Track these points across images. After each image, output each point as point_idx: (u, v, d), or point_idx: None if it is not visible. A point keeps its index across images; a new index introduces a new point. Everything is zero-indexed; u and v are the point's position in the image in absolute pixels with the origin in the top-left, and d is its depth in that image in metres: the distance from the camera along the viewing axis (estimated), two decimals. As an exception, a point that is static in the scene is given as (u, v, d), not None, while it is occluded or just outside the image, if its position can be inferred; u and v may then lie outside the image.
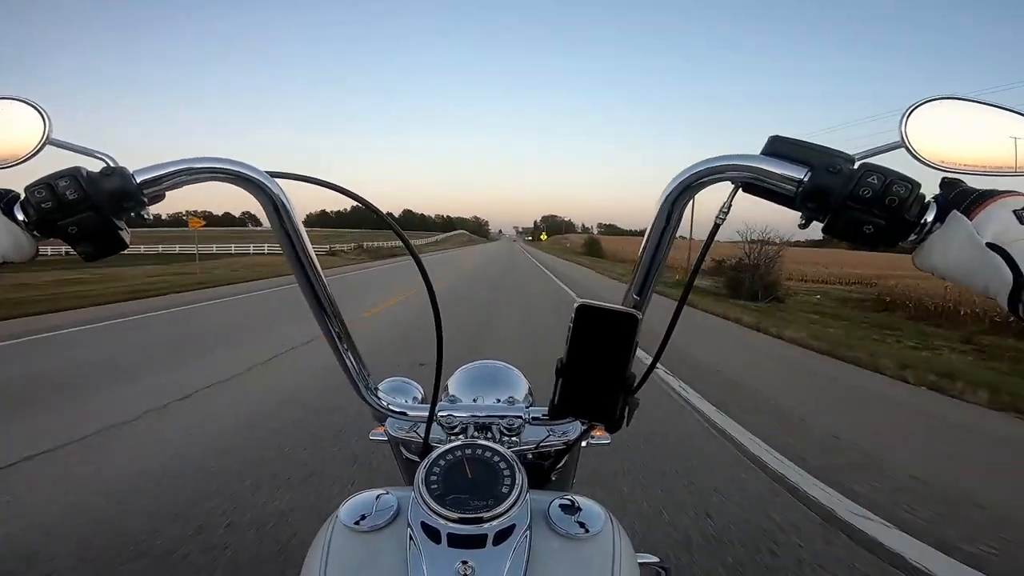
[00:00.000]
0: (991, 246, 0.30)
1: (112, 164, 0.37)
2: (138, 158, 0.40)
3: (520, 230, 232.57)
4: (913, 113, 0.35)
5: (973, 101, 0.36)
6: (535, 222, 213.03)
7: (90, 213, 0.36)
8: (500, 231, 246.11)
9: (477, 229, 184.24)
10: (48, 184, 0.35)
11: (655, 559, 0.61)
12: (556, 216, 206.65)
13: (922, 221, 0.33)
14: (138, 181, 0.38)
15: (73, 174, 0.36)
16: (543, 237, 48.08)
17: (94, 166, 0.37)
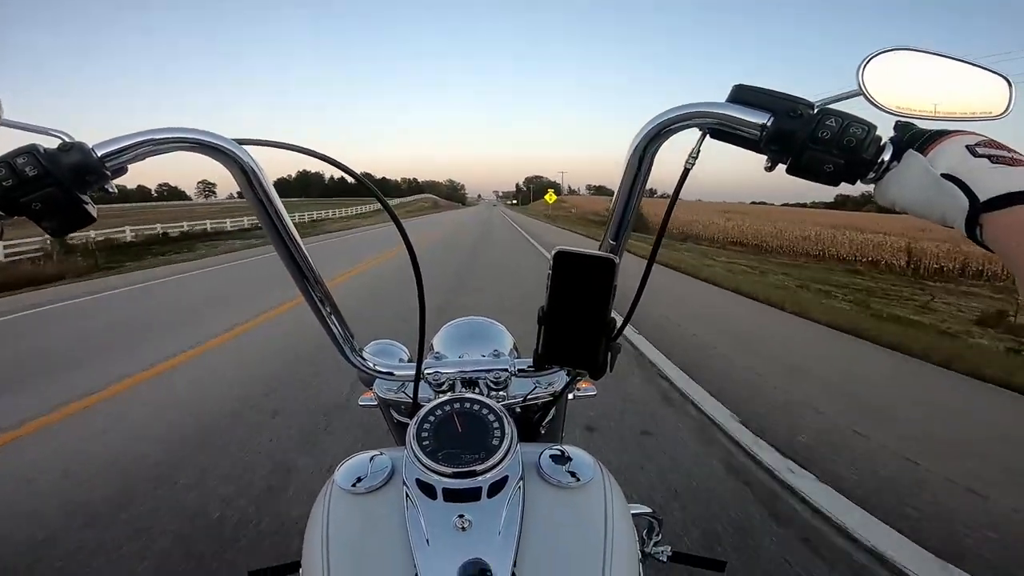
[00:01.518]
0: (946, 176, 0.35)
1: (69, 140, 0.40)
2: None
3: (500, 194, 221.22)
4: (870, 63, 0.40)
5: (927, 52, 0.40)
6: (517, 185, 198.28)
7: (52, 188, 0.38)
8: (479, 196, 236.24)
9: (451, 194, 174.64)
10: (6, 162, 0.37)
11: (648, 509, 0.65)
12: (541, 177, 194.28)
13: (879, 160, 0.38)
14: (99, 154, 0.40)
15: (30, 151, 0.38)
16: (549, 198, 39.28)
17: (51, 145, 0.39)
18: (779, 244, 21.22)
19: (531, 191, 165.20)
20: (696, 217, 31.30)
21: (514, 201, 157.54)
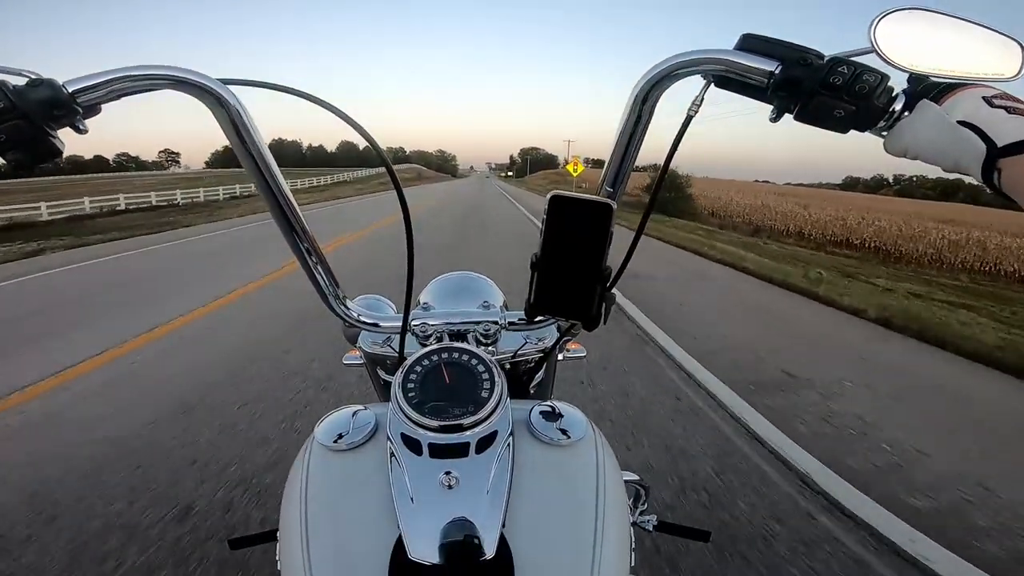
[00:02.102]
0: (962, 123, 0.36)
1: (37, 77, 0.39)
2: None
3: (493, 166, 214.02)
4: (882, 20, 0.40)
5: (939, 12, 0.41)
6: (511, 157, 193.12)
7: (19, 121, 0.38)
8: (471, 167, 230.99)
9: (442, 165, 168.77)
10: None
11: (635, 477, 0.66)
12: (538, 149, 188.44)
13: (891, 109, 0.39)
14: (69, 91, 0.40)
15: None
16: (575, 168, 20.98)
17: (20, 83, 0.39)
18: (908, 247, 17.05)
19: (527, 163, 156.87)
20: (758, 200, 28.22)
21: (509, 173, 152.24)
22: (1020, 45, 0.41)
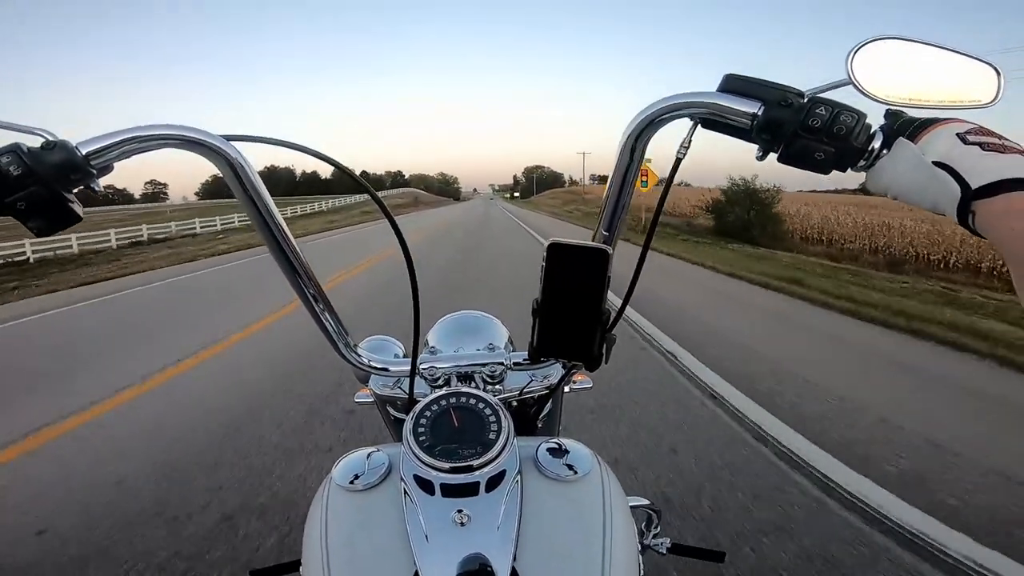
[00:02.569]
0: (937, 164, 0.37)
1: (52, 138, 0.41)
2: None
3: (496, 187, 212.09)
4: (859, 52, 0.42)
5: (915, 41, 0.43)
6: (515, 177, 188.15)
7: (37, 188, 0.40)
8: (474, 189, 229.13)
9: (444, 189, 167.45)
10: None
11: (645, 501, 0.68)
12: (543, 167, 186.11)
13: (870, 148, 0.41)
14: (83, 152, 0.42)
15: (14, 150, 0.40)
16: (648, 180, 12.41)
17: (34, 144, 0.41)
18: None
19: (533, 181, 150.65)
20: (832, 212, 21.56)
21: (515, 194, 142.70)
22: (996, 70, 0.43)
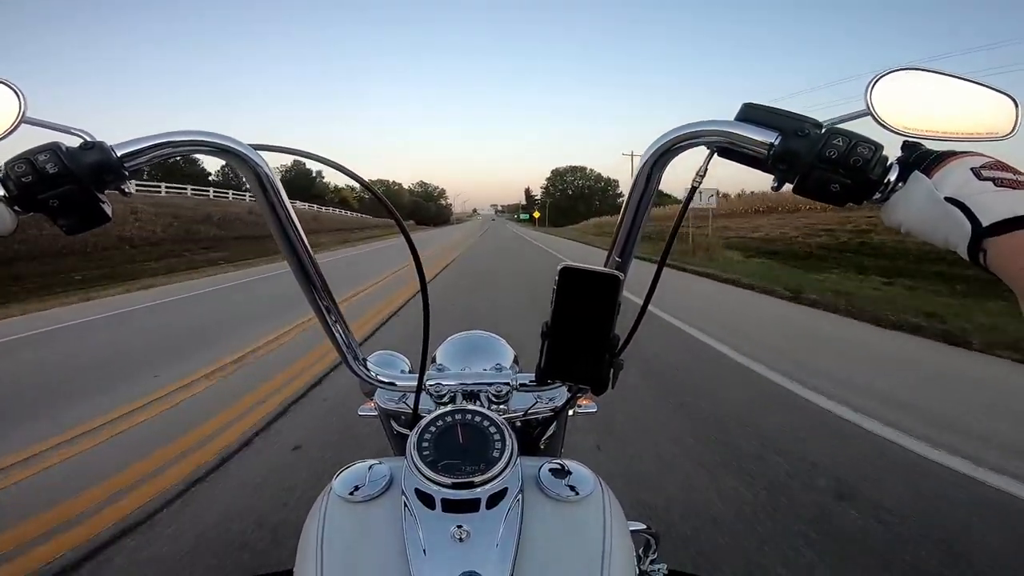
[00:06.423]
0: (950, 200, 0.37)
1: (90, 139, 0.43)
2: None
3: (500, 208, 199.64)
4: (878, 83, 0.44)
5: (934, 72, 0.44)
6: (527, 192, 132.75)
7: (71, 187, 0.42)
8: (474, 210, 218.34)
9: (420, 206, 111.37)
10: (28, 159, 0.41)
11: (643, 526, 0.68)
12: (585, 169, 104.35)
13: (886, 181, 0.41)
14: (119, 154, 0.44)
15: (53, 148, 0.42)
16: None
17: (72, 144, 0.43)
18: None
19: (566, 195, 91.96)
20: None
21: (531, 215, 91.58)
22: (1014, 102, 0.44)
